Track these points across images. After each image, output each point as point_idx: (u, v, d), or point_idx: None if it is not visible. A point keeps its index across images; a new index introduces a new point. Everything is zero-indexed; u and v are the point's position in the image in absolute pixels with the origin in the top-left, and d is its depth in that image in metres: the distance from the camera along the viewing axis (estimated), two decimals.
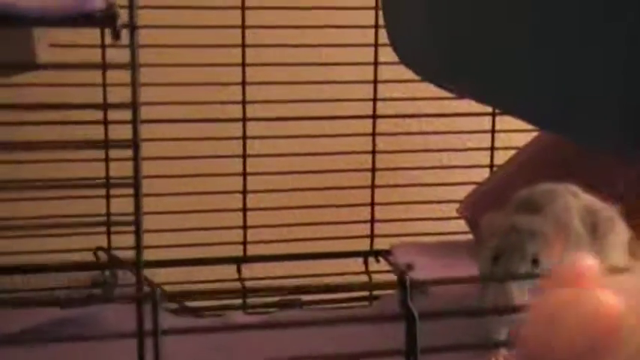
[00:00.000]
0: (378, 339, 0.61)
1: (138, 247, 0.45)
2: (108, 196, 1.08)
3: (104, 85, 1.03)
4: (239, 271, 1.16)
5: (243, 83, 1.12)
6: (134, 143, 0.45)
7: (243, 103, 1.12)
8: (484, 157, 1.22)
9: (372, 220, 1.19)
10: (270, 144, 1.15)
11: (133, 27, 0.68)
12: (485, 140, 1.21)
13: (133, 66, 0.60)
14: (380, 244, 1.20)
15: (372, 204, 1.19)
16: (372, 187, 1.19)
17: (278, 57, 1.12)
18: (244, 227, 1.16)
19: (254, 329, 0.88)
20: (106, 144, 0.91)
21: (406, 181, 1.20)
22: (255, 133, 1.14)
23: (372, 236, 1.20)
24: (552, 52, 0.77)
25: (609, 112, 0.73)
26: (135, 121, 0.51)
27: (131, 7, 0.64)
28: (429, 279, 0.73)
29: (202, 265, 1.16)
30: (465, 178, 1.20)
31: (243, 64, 1.12)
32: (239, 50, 1.11)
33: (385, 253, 1.19)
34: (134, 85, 0.57)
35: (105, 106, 1.05)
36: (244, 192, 1.15)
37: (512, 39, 0.82)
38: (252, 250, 1.16)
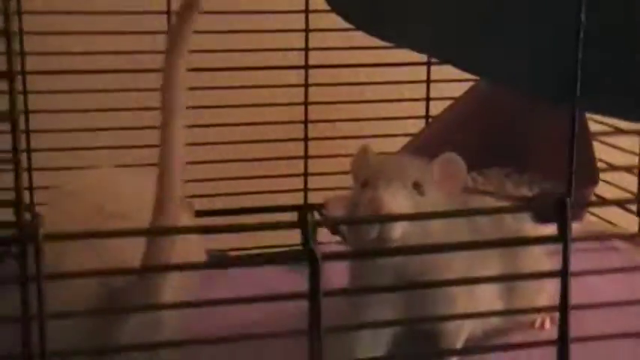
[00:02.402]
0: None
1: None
2: None
3: None
4: None
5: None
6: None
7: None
8: (420, 108, 1.19)
9: (306, 174, 1.16)
10: (199, 95, 1.11)
11: None
12: (420, 91, 1.19)
13: None
14: (315, 197, 1.17)
15: (306, 157, 1.16)
16: (305, 139, 1.16)
17: (212, 6, 1.08)
18: None
19: None
20: None
21: (340, 133, 1.17)
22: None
23: (305, 190, 1.17)
24: None
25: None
26: None
27: None
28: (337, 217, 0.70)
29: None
30: (400, 129, 1.17)
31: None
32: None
33: (320, 207, 1.16)
34: None
35: None
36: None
37: None
38: None
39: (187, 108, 1.06)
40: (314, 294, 0.53)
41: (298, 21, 1.11)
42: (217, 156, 1.12)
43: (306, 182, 1.16)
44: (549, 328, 0.84)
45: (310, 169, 1.16)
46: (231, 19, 1.08)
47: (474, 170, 1.17)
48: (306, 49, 1.13)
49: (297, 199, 1.16)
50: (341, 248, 0.93)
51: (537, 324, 0.84)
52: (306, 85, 1.14)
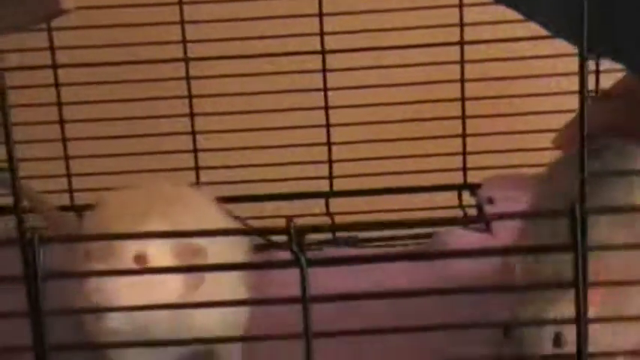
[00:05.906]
0: None
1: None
2: None
3: None
4: (327, 205, 1.15)
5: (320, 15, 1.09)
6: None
7: (321, 34, 1.10)
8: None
9: (464, 153, 1.14)
10: (353, 76, 1.12)
11: None
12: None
13: None
14: (474, 177, 1.15)
15: (464, 135, 1.14)
16: (463, 117, 1.13)
17: None
18: (330, 161, 1.14)
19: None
20: None
21: (497, 111, 1.14)
22: (336, 65, 1.11)
23: (464, 169, 1.15)
24: None
25: None
26: None
27: None
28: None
29: (289, 199, 1.15)
30: (558, 106, 1.12)
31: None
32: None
33: (478, 187, 1.14)
34: None
35: None
36: (327, 125, 1.13)
37: None
38: (339, 184, 1.14)
39: (346, 89, 1.09)
40: (303, 298, 0.52)
41: None
42: (374, 136, 1.13)
43: (465, 161, 1.15)
44: None
45: (469, 148, 1.14)
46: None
47: None
48: (461, 25, 1.10)
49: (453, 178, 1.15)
50: None
51: None
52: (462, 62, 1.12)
